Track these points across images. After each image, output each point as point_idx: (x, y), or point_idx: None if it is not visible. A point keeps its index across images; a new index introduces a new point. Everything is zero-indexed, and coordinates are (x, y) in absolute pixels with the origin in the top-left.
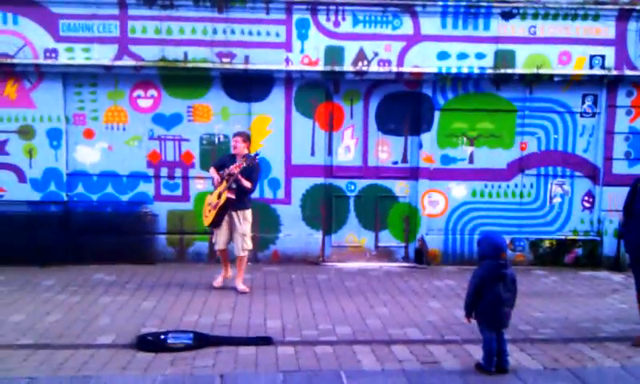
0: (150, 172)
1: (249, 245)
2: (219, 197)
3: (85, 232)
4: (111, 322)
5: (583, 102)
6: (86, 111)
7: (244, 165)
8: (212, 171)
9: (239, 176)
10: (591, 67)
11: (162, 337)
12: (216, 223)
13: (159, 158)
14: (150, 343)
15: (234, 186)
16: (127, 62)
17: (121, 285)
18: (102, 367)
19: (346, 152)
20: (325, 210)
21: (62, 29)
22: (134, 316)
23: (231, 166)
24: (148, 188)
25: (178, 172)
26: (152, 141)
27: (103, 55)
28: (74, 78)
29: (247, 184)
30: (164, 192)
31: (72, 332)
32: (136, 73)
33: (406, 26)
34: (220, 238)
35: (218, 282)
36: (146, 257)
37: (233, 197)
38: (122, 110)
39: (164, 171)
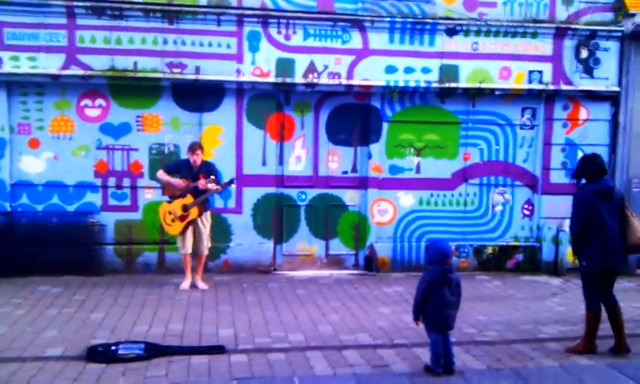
0: (98, 182)
1: (210, 244)
2: (185, 209)
3: (30, 243)
4: (59, 334)
5: (522, 115)
6: (32, 120)
7: (213, 181)
8: (163, 174)
9: (214, 192)
10: (530, 82)
11: (113, 348)
12: (183, 232)
13: (107, 167)
14: (101, 354)
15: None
16: (75, 71)
17: (68, 296)
18: (52, 379)
19: (297, 162)
20: (276, 219)
21: (7, 37)
22: (83, 327)
23: (202, 182)
24: (95, 198)
25: (127, 182)
26: (100, 150)
27: (50, 64)
28: (20, 87)
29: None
30: (112, 202)
31: (19, 345)
32: (84, 82)
33: (355, 40)
34: (187, 243)
35: (184, 285)
36: (93, 268)
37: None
38: (68, 119)
39: (112, 181)
